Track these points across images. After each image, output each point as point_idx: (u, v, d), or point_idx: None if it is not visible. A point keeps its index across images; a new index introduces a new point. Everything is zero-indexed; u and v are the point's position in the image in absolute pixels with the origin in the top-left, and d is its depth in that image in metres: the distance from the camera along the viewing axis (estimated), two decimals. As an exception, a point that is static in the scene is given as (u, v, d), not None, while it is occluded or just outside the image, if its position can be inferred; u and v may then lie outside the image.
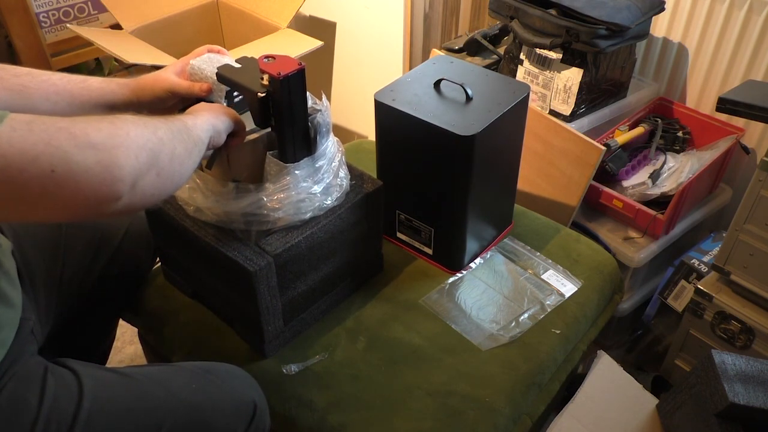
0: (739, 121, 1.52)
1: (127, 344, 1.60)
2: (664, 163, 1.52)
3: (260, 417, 0.91)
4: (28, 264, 0.95)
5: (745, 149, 1.51)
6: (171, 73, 0.93)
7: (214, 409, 0.86)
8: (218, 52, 0.97)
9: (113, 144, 0.62)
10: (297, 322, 1.04)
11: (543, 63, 1.46)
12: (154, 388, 0.84)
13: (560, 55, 1.42)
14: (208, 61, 0.94)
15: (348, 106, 2.10)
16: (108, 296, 1.09)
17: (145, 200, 0.67)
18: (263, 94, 0.86)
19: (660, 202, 1.45)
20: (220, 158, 0.92)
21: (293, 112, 0.89)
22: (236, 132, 0.87)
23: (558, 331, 1.09)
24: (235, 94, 0.95)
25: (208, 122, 0.81)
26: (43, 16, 1.94)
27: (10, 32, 1.91)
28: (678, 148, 1.57)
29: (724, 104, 1.11)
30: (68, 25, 1.94)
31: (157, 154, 0.67)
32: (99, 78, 0.91)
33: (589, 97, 1.47)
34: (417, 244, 1.21)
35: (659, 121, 1.57)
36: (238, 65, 0.91)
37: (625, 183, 1.49)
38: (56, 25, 1.97)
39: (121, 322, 1.24)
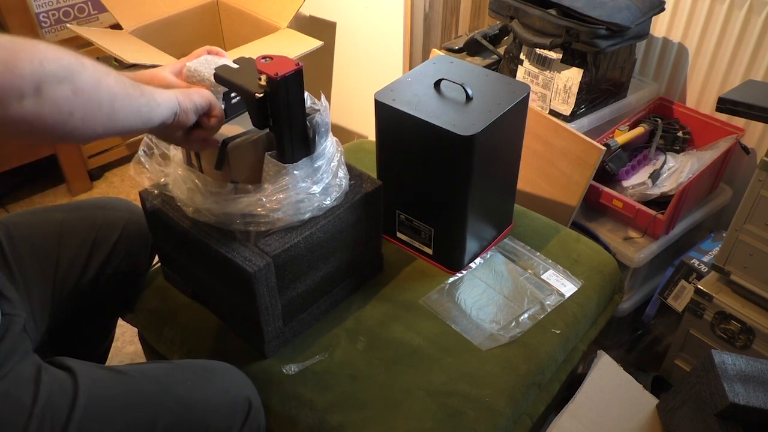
0: (739, 121, 1.52)
1: (127, 344, 1.61)
2: (664, 163, 1.51)
3: (255, 415, 0.91)
4: (21, 262, 0.95)
5: (745, 149, 1.51)
6: (168, 73, 0.92)
7: (209, 406, 0.87)
8: (217, 53, 0.97)
9: (17, 48, 0.62)
10: (297, 322, 1.04)
11: (543, 63, 1.46)
12: (149, 384, 0.85)
13: (560, 55, 1.42)
14: (205, 63, 0.93)
15: (348, 106, 2.10)
16: (105, 296, 1.09)
17: (61, 116, 0.66)
18: (261, 95, 0.86)
19: (660, 202, 1.45)
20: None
21: (291, 112, 0.88)
22: (210, 113, 0.86)
23: (558, 331, 1.08)
24: (233, 94, 0.94)
25: (172, 95, 0.80)
26: (43, 16, 1.93)
27: (10, 32, 1.91)
28: (678, 148, 1.57)
29: (724, 104, 1.11)
30: (68, 25, 1.94)
31: (74, 73, 0.67)
32: None
33: (589, 97, 1.47)
34: (417, 244, 1.21)
35: (659, 121, 1.57)
36: (235, 66, 0.91)
37: (625, 183, 1.49)
38: (56, 25, 1.97)
39: (121, 322, 1.23)
